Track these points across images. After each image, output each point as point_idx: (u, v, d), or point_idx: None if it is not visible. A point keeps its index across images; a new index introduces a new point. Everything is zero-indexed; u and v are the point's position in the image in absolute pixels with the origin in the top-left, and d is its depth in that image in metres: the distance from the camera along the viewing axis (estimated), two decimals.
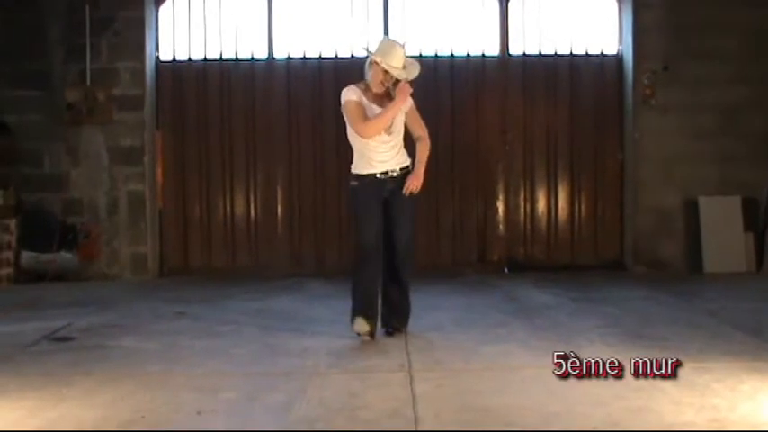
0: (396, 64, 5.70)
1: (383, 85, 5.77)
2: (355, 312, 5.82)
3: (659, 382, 4.47)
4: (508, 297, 7.67)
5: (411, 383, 4.71)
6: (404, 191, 5.79)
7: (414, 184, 5.79)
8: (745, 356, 5.18)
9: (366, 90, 5.82)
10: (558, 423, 4.00)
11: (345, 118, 5.84)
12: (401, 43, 5.85)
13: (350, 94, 5.79)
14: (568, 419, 4.04)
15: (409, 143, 5.99)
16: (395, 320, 5.98)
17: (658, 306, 7.13)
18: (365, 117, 5.72)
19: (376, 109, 5.76)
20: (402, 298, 6.00)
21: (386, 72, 5.70)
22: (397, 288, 5.95)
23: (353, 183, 5.90)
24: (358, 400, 4.43)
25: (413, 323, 6.08)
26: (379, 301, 5.93)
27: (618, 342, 5.58)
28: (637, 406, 4.19)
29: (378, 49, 5.80)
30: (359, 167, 5.87)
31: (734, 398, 4.33)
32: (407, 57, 5.83)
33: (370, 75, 5.79)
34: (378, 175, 5.81)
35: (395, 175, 5.82)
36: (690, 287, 8.06)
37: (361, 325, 5.77)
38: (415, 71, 5.81)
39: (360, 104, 5.75)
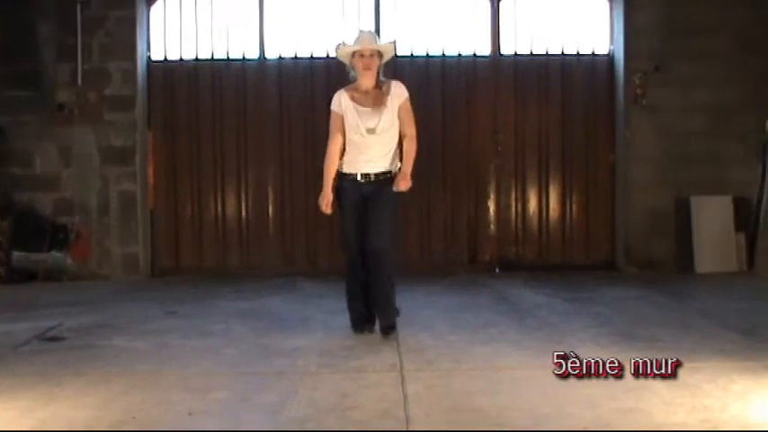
0: (356, 44, 5.90)
1: (368, 70, 5.87)
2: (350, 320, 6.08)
3: (651, 383, 4.48)
4: (499, 297, 7.67)
5: (402, 384, 4.71)
6: (393, 188, 5.81)
7: (402, 184, 5.80)
8: (736, 356, 5.19)
9: (355, 90, 5.91)
10: (549, 424, 4.00)
11: None
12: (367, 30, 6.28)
13: (334, 103, 5.96)
14: (559, 420, 4.04)
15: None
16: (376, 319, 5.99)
17: (650, 306, 7.14)
18: (339, 131, 5.90)
19: (363, 110, 5.87)
20: (379, 297, 5.88)
21: (360, 55, 5.85)
22: (374, 284, 5.85)
23: (339, 182, 5.99)
24: (349, 400, 4.43)
25: (404, 322, 6.07)
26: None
27: (609, 343, 5.59)
28: (628, 407, 4.20)
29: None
30: (344, 165, 5.96)
31: (725, 398, 4.34)
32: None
33: (352, 69, 5.96)
34: (357, 177, 5.89)
35: (372, 179, 5.88)
36: (681, 287, 8.07)
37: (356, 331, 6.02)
38: (386, 46, 6.04)
39: (339, 116, 5.90)
